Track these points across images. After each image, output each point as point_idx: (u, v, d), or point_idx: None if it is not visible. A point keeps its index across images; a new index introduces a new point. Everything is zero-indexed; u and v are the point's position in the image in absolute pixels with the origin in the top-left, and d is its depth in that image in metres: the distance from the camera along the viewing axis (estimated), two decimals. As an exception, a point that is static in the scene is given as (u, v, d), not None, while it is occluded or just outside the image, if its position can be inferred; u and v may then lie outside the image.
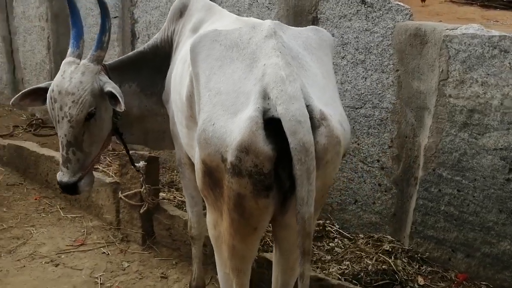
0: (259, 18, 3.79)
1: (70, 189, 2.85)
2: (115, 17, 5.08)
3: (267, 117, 1.75)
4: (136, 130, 3.20)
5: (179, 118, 2.57)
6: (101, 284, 3.53)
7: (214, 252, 2.26)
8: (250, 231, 1.94)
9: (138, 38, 4.89)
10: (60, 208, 4.50)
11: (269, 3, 3.83)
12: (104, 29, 2.79)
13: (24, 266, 3.72)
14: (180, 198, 4.24)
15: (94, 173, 4.06)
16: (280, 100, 1.71)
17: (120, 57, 3.19)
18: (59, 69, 2.77)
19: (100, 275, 3.61)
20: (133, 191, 3.81)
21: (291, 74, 1.77)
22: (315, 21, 3.62)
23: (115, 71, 2.99)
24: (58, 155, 4.65)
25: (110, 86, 2.72)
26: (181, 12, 2.93)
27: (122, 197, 3.88)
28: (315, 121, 1.76)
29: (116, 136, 3.09)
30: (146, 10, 4.72)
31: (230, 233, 1.97)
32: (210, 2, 2.87)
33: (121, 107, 2.61)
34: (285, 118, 1.69)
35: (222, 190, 1.89)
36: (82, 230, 4.18)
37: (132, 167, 3.46)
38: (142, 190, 3.64)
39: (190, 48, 2.08)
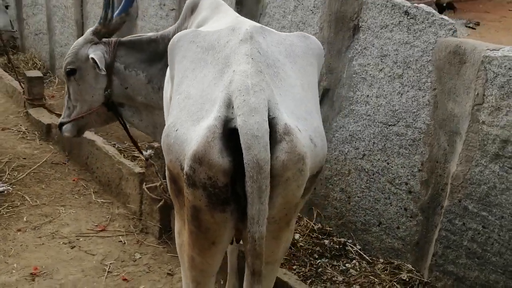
0: (303, 22, 3.67)
1: (59, 127, 3.43)
2: (172, 10, 5.11)
3: (229, 127, 1.65)
4: (145, 118, 3.27)
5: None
6: (108, 272, 3.54)
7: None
8: (208, 245, 1.87)
9: (191, 32, 4.89)
10: (93, 192, 4.58)
11: (314, 7, 3.68)
12: (107, 7, 3.01)
13: (43, 244, 3.81)
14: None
15: (126, 162, 4.15)
16: (241, 111, 1.61)
17: (132, 36, 3.28)
18: None
19: (110, 263, 3.63)
20: (154, 184, 3.79)
21: (258, 84, 1.67)
22: (356, 29, 3.43)
23: (123, 48, 3.14)
24: (99, 140, 4.75)
25: (93, 53, 3.00)
26: (192, 9, 2.87)
27: (145, 189, 3.87)
28: (277, 136, 1.65)
29: (117, 117, 3.29)
30: (200, 5, 4.70)
31: (189, 244, 1.91)
32: (219, 0, 2.77)
33: (100, 71, 2.97)
34: (242, 131, 1.59)
35: (184, 199, 1.82)
36: (107, 216, 4.22)
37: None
38: (158, 184, 3.62)
39: (168, 48, 2.01)
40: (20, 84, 5.81)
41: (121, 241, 3.90)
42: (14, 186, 4.59)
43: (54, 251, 3.73)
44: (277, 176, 1.66)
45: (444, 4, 4.55)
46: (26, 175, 4.80)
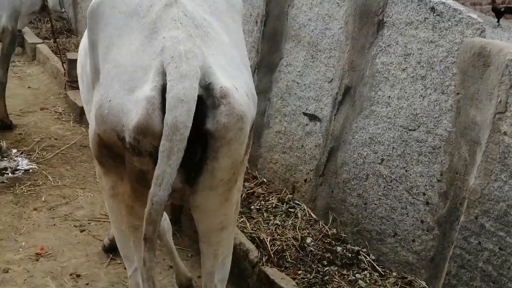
0: (328, 15, 3.49)
1: None
2: None
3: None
4: None
5: (85, 96, 2.46)
6: (111, 259, 3.50)
7: (108, 211, 2.18)
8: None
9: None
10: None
11: (340, 0, 3.48)
12: None
13: (54, 224, 3.82)
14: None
15: None
16: (172, 77, 1.63)
17: None
18: None
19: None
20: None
21: (191, 50, 1.68)
22: (380, 25, 3.21)
23: None
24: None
25: None
26: None
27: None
28: (215, 100, 1.69)
29: None
30: None
31: (131, 197, 1.92)
32: None
33: None
34: (168, 95, 1.62)
35: (123, 161, 1.80)
36: (123, 203, 4.19)
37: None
38: None
39: (88, 15, 1.95)
40: (63, 66, 5.91)
41: (131, 229, 3.86)
42: (40, 165, 4.65)
43: (64, 233, 3.73)
44: (220, 139, 1.70)
45: (502, 9, 4.18)
46: (54, 155, 4.86)
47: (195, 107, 1.62)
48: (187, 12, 1.77)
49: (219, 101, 1.68)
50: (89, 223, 3.88)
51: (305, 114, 3.84)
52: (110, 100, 1.74)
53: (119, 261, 3.49)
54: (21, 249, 3.51)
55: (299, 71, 3.85)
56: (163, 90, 1.65)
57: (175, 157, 1.60)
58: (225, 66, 1.77)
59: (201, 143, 1.71)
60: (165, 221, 2.98)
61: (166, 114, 1.60)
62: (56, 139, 5.18)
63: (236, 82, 1.76)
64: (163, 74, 1.66)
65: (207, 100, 1.68)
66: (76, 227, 3.82)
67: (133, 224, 2.01)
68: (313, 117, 3.76)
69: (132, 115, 1.66)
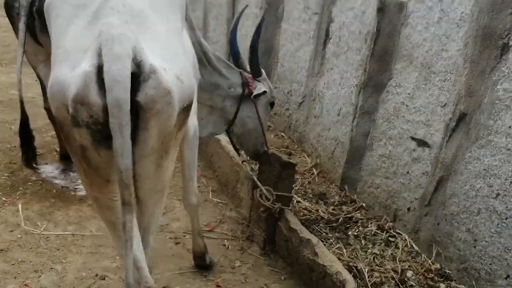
0: (446, 35, 3.28)
1: None
2: (315, 13, 4.91)
3: (102, 73, 1.88)
4: None
5: None
6: (204, 276, 3.46)
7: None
8: (103, 183, 2.09)
9: (331, 38, 4.65)
10: (211, 190, 4.56)
11: (460, 20, 3.24)
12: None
13: (150, 235, 3.85)
14: (308, 214, 3.93)
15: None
16: (106, 58, 1.86)
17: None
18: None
19: (208, 266, 3.54)
20: (264, 188, 3.61)
21: (123, 33, 1.90)
22: (505, 48, 2.95)
23: None
24: (224, 139, 4.72)
25: None
26: None
27: (255, 195, 3.73)
28: (145, 75, 1.91)
29: None
30: (342, 10, 4.44)
31: (87, 184, 2.16)
32: None
33: None
34: (106, 77, 1.84)
35: (72, 143, 2.04)
36: (218, 218, 4.16)
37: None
38: (254, 191, 3.52)
39: (44, 9, 2.20)
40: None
41: (225, 245, 3.81)
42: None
43: (159, 244, 3.74)
44: (148, 109, 1.92)
45: None
46: (154, 164, 4.93)
47: (129, 85, 1.85)
48: (126, 3, 2.01)
49: (148, 76, 1.91)
50: (184, 236, 3.88)
51: (413, 138, 3.62)
52: (58, 78, 1.96)
53: (211, 277, 3.45)
54: (118, 257, 3.55)
55: (409, 93, 3.64)
56: (99, 67, 1.87)
57: (125, 129, 1.84)
58: (157, 49, 1.99)
59: (133, 115, 1.91)
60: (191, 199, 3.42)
61: (106, 94, 1.83)
62: (157, 148, 5.27)
63: (166, 64, 1.98)
64: (100, 54, 1.88)
65: (139, 76, 1.90)
66: (171, 239, 3.83)
67: (107, 218, 2.25)
68: (422, 143, 3.54)
69: (72, 87, 1.90)
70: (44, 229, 3.81)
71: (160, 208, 2.43)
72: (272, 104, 3.84)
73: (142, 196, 2.23)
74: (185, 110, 2.14)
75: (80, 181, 4.43)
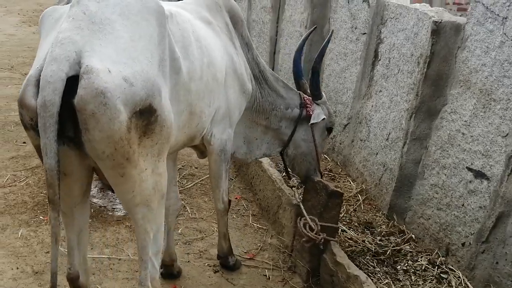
0: (508, 60, 3.06)
1: None
2: (363, 33, 4.73)
3: None
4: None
5: None
6: (241, 309, 3.30)
7: None
8: (61, 176, 2.07)
9: (380, 59, 4.46)
10: (252, 214, 4.41)
11: (525, 44, 3.02)
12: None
13: (188, 261, 3.72)
14: (354, 245, 3.72)
15: (287, 190, 4.02)
16: (46, 61, 1.93)
17: None
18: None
19: (248, 299, 3.38)
20: (308, 217, 3.42)
21: (68, 37, 1.95)
22: None
23: None
24: (266, 161, 4.56)
25: None
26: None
27: (298, 223, 3.54)
28: (80, 76, 1.92)
29: None
30: (393, 31, 4.25)
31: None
32: None
33: None
34: (41, 78, 1.90)
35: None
36: (259, 244, 3.99)
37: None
38: (298, 219, 3.36)
39: (39, 23, 2.34)
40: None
41: (265, 275, 3.64)
42: (180, 195, 4.60)
43: (197, 271, 3.60)
44: (81, 110, 1.91)
45: None
46: (193, 185, 4.81)
47: (62, 86, 1.87)
48: (87, 11, 2.06)
49: (81, 76, 1.91)
50: (223, 263, 3.72)
51: (469, 169, 3.39)
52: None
53: (251, 311, 3.28)
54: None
55: (465, 121, 3.42)
56: (41, 71, 1.93)
57: (49, 130, 1.87)
58: (110, 54, 1.99)
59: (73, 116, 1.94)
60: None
61: (38, 95, 1.88)
62: (196, 168, 5.16)
63: (114, 67, 1.96)
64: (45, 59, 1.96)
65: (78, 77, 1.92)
66: (210, 266, 3.68)
67: (61, 209, 2.29)
68: (479, 174, 3.30)
69: (20, 92, 2.01)
70: (80, 252, 3.71)
71: (154, 226, 2.36)
72: (330, 130, 3.69)
73: (125, 208, 2.31)
74: (145, 115, 2.07)
75: (118, 201, 4.35)
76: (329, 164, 5.17)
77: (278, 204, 4.10)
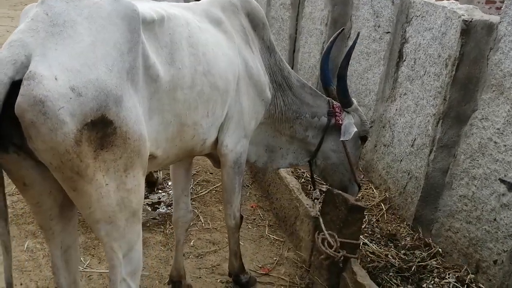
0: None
1: None
2: (387, 32, 4.46)
3: None
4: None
5: None
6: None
7: None
8: (21, 187, 2.03)
9: (405, 60, 4.18)
10: (268, 225, 4.19)
11: None
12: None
13: (200, 277, 3.52)
14: (377, 260, 3.47)
15: (304, 201, 3.80)
16: None
17: None
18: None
19: (262, 319, 3.17)
20: (327, 233, 3.19)
21: (19, 40, 1.84)
22: None
23: None
24: (283, 169, 4.33)
25: None
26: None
27: (316, 238, 3.32)
28: (22, 82, 1.80)
29: None
30: (419, 30, 3.97)
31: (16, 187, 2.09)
32: None
33: None
34: None
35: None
36: (275, 258, 3.77)
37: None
38: (316, 233, 3.12)
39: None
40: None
41: (281, 293, 3.42)
42: (193, 202, 4.42)
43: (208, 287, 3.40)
44: (20, 117, 1.78)
45: None
46: (208, 192, 4.61)
47: (4, 90, 1.76)
48: (51, 12, 1.92)
49: (22, 82, 1.77)
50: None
51: (502, 181, 3.12)
52: None
53: (265, 333, 3.07)
54: (162, 303, 3.24)
55: (498, 128, 3.14)
56: None
57: None
58: (63, 60, 1.84)
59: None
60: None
61: None
62: (211, 173, 4.95)
63: (63, 74, 1.82)
64: None
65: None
66: (222, 283, 3.47)
67: (38, 223, 2.21)
68: (513, 188, 3.04)
69: None
70: (87, 266, 3.54)
71: (124, 245, 2.16)
72: (364, 139, 3.41)
73: (89, 224, 2.12)
74: (98, 127, 1.91)
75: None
76: (351, 170, 4.91)
77: (296, 215, 3.87)
